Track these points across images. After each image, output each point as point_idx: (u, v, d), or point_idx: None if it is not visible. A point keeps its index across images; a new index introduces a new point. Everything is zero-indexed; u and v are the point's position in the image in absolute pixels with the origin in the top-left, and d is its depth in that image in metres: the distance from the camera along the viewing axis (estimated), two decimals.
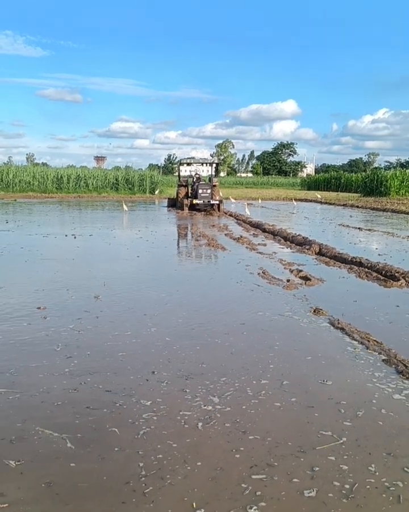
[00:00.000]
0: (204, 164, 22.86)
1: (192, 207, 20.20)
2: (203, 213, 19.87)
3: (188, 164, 22.87)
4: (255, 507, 2.15)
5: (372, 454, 2.60)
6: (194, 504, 2.16)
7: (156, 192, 36.03)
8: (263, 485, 2.31)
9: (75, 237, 11.82)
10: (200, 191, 20.09)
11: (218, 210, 20.05)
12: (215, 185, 20.98)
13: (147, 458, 2.51)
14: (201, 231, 13.36)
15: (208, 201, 20.08)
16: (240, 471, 2.41)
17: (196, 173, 22.00)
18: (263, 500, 2.20)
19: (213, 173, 22.55)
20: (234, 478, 2.36)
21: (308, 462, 2.49)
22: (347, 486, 2.30)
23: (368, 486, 2.30)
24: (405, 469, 2.46)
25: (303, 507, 2.17)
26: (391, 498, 2.24)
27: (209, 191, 20.18)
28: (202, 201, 20.04)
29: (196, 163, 22.89)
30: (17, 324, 4.73)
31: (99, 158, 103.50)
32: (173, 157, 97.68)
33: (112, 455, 2.55)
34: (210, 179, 21.92)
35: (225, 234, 12.66)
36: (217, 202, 20.23)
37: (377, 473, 2.42)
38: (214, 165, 23.14)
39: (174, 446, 2.64)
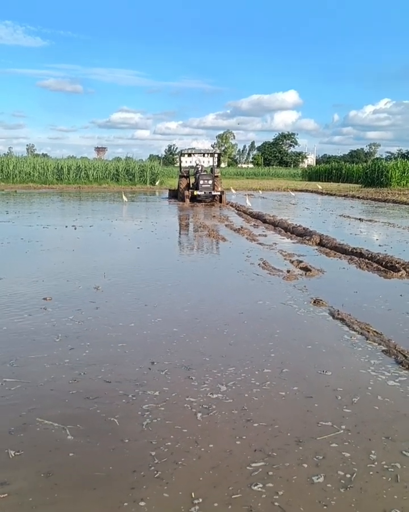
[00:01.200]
0: (206, 155, 22.46)
1: (194, 198, 19.89)
2: (204, 204, 19.72)
3: (190, 154, 22.42)
4: (260, 485, 2.23)
5: (371, 439, 2.64)
6: (205, 485, 2.21)
7: (157, 183, 35.95)
8: (271, 466, 2.38)
9: (75, 228, 11.80)
10: (201, 182, 19.77)
11: (220, 202, 19.75)
12: (216, 176, 20.64)
13: (158, 445, 2.54)
14: (201, 222, 13.33)
15: (210, 192, 19.78)
16: (246, 455, 2.46)
17: (198, 164, 21.62)
18: (271, 481, 2.28)
19: (215, 164, 22.20)
20: (241, 460, 2.43)
21: (312, 447, 2.53)
22: (348, 475, 2.32)
23: (369, 468, 2.33)
24: (403, 452, 2.53)
25: (309, 490, 2.21)
26: (389, 478, 2.31)
27: (211, 181, 19.86)
28: (204, 192, 19.72)
29: (197, 153, 22.43)
30: (17, 315, 4.73)
31: (99, 149, 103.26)
32: (174, 148, 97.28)
33: (119, 444, 2.56)
34: (212, 170, 21.50)
35: (226, 225, 12.63)
36: (219, 193, 19.90)
37: (376, 456, 2.48)
38: (216, 155, 22.68)
39: (184, 431, 2.70)
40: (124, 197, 20.62)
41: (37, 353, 3.79)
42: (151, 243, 9.78)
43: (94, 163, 38.91)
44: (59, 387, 3.22)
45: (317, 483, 2.25)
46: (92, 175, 36.97)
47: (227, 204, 19.72)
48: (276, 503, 2.11)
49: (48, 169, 36.37)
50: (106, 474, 2.31)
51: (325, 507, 2.10)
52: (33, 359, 3.67)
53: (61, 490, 2.19)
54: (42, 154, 76.20)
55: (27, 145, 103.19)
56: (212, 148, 33.89)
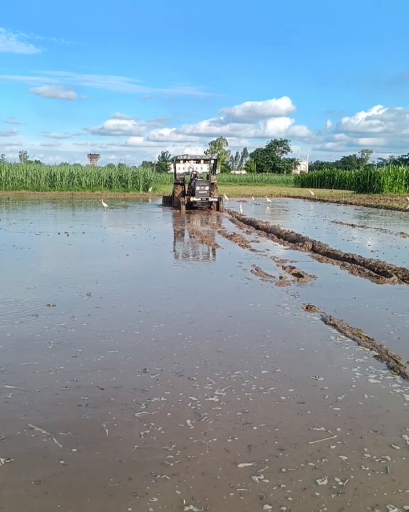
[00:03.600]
0: (200, 161, 21.76)
1: (190, 205, 19.35)
2: (199, 211, 19.38)
3: (185, 161, 21.67)
4: (262, 477, 2.32)
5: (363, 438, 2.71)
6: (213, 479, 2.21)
7: (149, 190, 36.00)
8: (268, 461, 2.45)
9: (67, 235, 11.77)
10: (197, 188, 19.19)
11: (218, 209, 19.31)
12: (213, 183, 20.18)
13: (159, 448, 2.54)
14: (194, 228, 13.34)
15: (206, 199, 19.28)
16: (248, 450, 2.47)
17: (193, 170, 21.18)
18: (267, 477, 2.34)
19: (211, 170, 21.56)
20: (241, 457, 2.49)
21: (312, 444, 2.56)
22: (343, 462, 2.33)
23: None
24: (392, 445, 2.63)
25: (308, 477, 2.25)
26: (381, 471, 2.40)
27: (207, 188, 19.27)
28: (200, 199, 19.23)
29: (192, 159, 21.74)
30: (8, 323, 4.71)
31: (92, 156, 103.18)
32: (167, 154, 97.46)
33: (113, 452, 2.55)
34: (208, 176, 21.00)
35: (219, 231, 12.66)
36: (216, 199, 19.42)
37: (368, 450, 2.57)
38: (211, 162, 21.95)
39: (191, 428, 2.76)
40: (103, 203, 20.49)
41: (31, 360, 3.77)
42: (142, 250, 9.76)
43: (87, 170, 38.91)
44: (54, 393, 3.20)
45: (319, 465, 2.27)
46: (85, 182, 36.97)
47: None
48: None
49: (40, 176, 36.35)
50: (101, 482, 2.30)
51: (329, 489, 2.11)
52: (31, 366, 3.65)
53: (52, 498, 2.18)
54: (35, 160, 76.09)
55: (20, 152, 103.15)
56: (205, 154, 33.53)
